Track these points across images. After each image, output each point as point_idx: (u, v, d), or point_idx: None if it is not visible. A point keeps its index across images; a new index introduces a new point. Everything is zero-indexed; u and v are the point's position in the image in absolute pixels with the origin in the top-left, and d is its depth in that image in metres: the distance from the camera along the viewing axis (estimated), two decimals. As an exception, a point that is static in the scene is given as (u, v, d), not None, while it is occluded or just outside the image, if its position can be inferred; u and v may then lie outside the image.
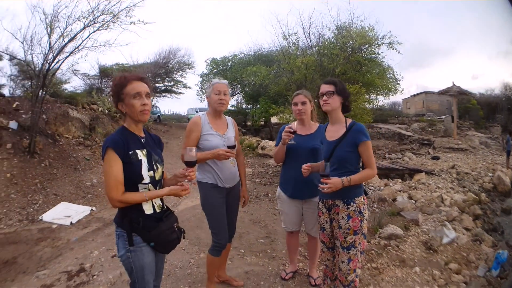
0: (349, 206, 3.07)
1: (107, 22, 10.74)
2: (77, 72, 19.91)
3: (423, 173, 12.73)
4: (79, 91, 19.68)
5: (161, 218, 2.53)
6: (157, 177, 2.55)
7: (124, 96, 2.44)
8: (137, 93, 2.41)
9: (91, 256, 5.33)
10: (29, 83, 11.85)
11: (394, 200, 8.80)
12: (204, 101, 27.81)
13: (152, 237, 2.43)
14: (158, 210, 2.55)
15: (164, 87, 28.54)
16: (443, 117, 33.18)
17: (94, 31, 10.67)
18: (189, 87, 29.72)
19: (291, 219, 4.09)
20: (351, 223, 3.04)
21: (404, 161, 16.43)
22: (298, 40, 15.42)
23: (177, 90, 29.51)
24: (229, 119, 3.93)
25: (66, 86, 17.63)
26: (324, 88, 3.16)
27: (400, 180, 12.19)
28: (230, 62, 26.70)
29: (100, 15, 10.55)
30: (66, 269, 4.90)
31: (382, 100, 21.84)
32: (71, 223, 7.12)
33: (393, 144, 23.41)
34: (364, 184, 3.33)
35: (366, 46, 14.36)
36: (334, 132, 3.21)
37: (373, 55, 15.78)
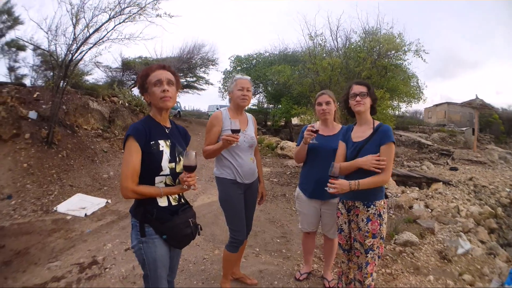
0: (369, 209, 3.04)
1: (133, 14, 10.69)
2: (99, 64, 19.87)
3: (441, 183, 12.59)
4: (100, 83, 19.73)
5: (176, 211, 2.48)
6: (178, 169, 2.50)
7: (148, 86, 2.45)
8: (158, 80, 2.41)
9: (104, 248, 5.33)
10: (51, 74, 11.96)
11: (411, 207, 8.72)
12: (225, 98, 27.88)
13: (165, 229, 2.38)
14: (174, 203, 2.51)
15: (186, 83, 28.15)
16: (464, 129, 32.87)
17: (120, 23, 10.63)
18: (211, 84, 29.43)
19: (309, 220, 4.06)
20: (370, 226, 3.01)
21: (422, 170, 16.24)
22: (325, 42, 15.25)
23: (199, 86, 29.18)
24: (249, 116, 3.93)
25: (87, 77, 17.58)
26: (358, 88, 3.15)
27: (417, 188, 12.10)
28: (255, 60, 26.59)
29: (127, 7, 10.52)
30: (78, 261, 4.89)
31: (405, 107, 21.62)
32: (85, 215, 7.15)
33: (412, 152, 23.14)
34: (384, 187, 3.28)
35: (393, 52, 14.21)
36: (361, 132, 3.19)
37: (399, 61, 15.62)
